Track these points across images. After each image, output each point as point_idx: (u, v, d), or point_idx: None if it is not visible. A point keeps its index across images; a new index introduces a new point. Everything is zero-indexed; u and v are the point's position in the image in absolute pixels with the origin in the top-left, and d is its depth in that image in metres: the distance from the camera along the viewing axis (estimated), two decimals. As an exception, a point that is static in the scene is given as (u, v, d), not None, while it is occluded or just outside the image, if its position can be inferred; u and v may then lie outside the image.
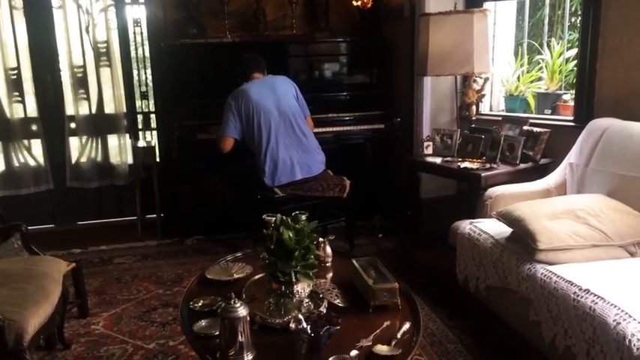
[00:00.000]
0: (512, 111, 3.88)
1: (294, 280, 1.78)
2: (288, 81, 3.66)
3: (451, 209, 4.02)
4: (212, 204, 4.20)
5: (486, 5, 3.78)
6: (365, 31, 4.41)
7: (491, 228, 2.83)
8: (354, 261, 2.13)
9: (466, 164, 3.29)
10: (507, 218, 2.64)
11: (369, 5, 4.31)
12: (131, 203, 4.41)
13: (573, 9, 4.07)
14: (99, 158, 4.46)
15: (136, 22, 4.34)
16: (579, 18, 4.01)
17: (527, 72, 3.90)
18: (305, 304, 1.85)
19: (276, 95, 3.52)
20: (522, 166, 3.29)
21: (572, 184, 3.06)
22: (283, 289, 1.82)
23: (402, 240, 3.98)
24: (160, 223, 4.23)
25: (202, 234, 4.16)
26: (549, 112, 3.72)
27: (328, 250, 2.34)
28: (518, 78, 3.93)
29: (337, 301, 1.94)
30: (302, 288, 1.83)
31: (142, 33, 4.36)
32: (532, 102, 3.96)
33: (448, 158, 3.48)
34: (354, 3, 4.31)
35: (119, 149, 4.45)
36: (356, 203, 3.67)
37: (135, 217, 4.35)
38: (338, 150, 3.97)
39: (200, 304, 1.96)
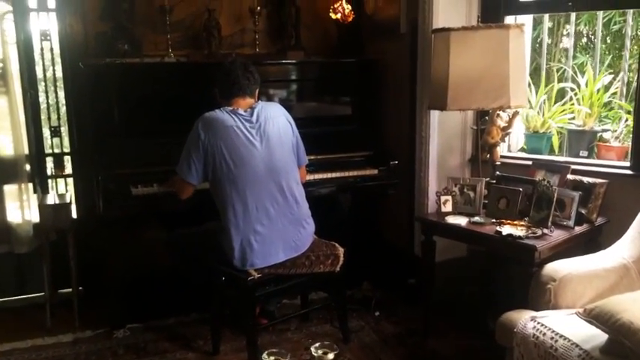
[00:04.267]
0: (537, 152, 3.12)
1: None
2: (284, 115, 2.64)
3: (462, 276, 3.20)
4: (150, 273, 3.15)
5: (507, 20, 3.01)
6: (344, 51, 3.52)
7: (569, 328, 1.99)
8: None
9: (507, 229, 2.45)
10: (609, 324, 1.80)
11: (350, 19, 3.44)
12: (37, 276, 3.26)
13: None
14: (-10, 218, 3.29)
15: (44, 36, 3.23)
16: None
17: (553, 102, 3.15)
18: None
19: (268, 142, 2.50)
20: (577, 229, 2.50)
21: (656, 256, 2.29)
22: None
23: (406, 320, 3.08)
24: (77, 305, 3.10)
25: (138, 320, 3.07)
26: (585, 154, 2.98)
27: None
28: (540, 110, 3.18)
29: None
30: None
31: (52, 49, 3.26)
32: (555, 140, 3.23)
33: (476, 218, 2.64)
34: (332, 16, 3.43)
35: (20, 204, 3.28)
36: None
37: (42, 294, 3.23)
38: (314, 201, 3.04)
39: None
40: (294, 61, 3.42)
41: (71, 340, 2.92)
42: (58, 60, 3.27)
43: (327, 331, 2.98)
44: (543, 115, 3.13)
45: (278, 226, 2.50)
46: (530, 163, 2.89)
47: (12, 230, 3.30)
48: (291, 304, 3.25)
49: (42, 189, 3.35)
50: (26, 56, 3.22)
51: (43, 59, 3.26)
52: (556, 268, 2.25)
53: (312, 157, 3.13)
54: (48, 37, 3.24)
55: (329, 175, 3.15)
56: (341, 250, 2.70)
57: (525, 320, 2.13)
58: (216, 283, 2.61)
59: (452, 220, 2.67)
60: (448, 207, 2.76)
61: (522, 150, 3.26)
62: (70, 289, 3.18)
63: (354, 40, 3.53)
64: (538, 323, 2.09)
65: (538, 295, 2.25)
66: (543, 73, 3.24)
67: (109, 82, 2.94)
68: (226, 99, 2.56)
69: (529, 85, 3.16)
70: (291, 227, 2.55)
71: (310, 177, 3.04)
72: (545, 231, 2.42)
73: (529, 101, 3.22)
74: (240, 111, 2.52)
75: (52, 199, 3.14)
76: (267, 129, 2.51)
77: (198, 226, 2.76)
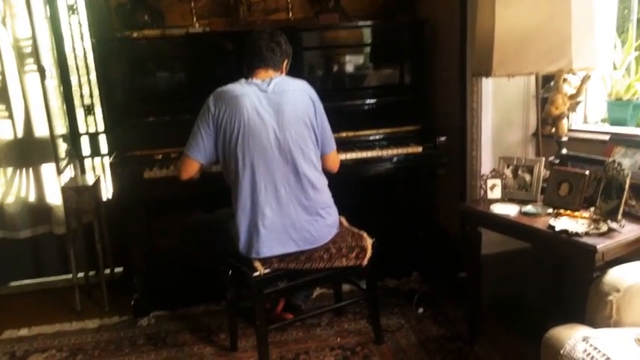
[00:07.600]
0: (620, 123, 2.53)
1: None
2: (307, 93, 2.29)
3: (523, 271, 2.73)
4: (177, 259, 2.99)
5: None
6: (391, 12, 3.09)
7: (629, 356, 1.53)
8: None
9: (564, 222, 1.98)
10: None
11: (397, -26, 3.01)
12: (76, 256, 3.21)
13: None
14: (31, 198, 3.28)
15: (72, 9, 3.12)
16: None
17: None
18: None
19: (281, 114, 2.19)
20: (656, 225, 1.96)
21: None
22: None
23: (453, 320, 2.68)
24: (106, 288, 3.02)
25: (166, 307, 2.93)
26: (683, 125, 2.37)
27: None
28: (628, 73, 2.58)
29: None
30: None
31: (80, 24, 3.14)
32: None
33: (529, 208, 2.16)
34: (376, -29, 3.01)
35: (59, 185, 3.25)
36: (384, 256, 2.39)
37: (86, 274, 3.23)
38: (351, 183, 2.70)
39: None
40: (343, 25, 3.06)
41: (96, 327, 2.83)
42: (86, 35, 3.15)
43: (360, 328, 2.66)
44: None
45: (289, 211, 2.20)
46: (607, 138, 2.34)
47: (51, 211, 3.29)
48: (328, 294, 2.96)
49: (76, 168, 3.28)
50: (56, 32, 3.13)
51: (72, 35, 3.16)
52: (621, 275, 1.76)
53: (360, 133, 2.89)
54: (75, 11, 3.12)
55: (364, 155, 2.78)
56: (369, 242, 2.35)
57: (575, 340, 1.67)
58: (223, 275, 2.37)
59: (499, 209, 2.21)
60: (496, 193, 2.30)
61: (604, 122, 2.68)
62: (106, 273, 3.13)
63: (401, -2, 3.09)
64: (590, 346, 1.62)
65: (596, 308, 1.78)
66: (633, 25, 2.62)
67: (124, 58, 2.77)
68: (248, 70, 2.29)
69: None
70: (305, 215, 2.23)
71: (357, 155, 2.72)
72: (614, 226, 1.92)
73: (614, 63, 2.63)
74: (257, 80, 2.24)
75: (79, 181, 3.05)
76: (282, 100, 2.20)
77: (213, 213, 2.53)
